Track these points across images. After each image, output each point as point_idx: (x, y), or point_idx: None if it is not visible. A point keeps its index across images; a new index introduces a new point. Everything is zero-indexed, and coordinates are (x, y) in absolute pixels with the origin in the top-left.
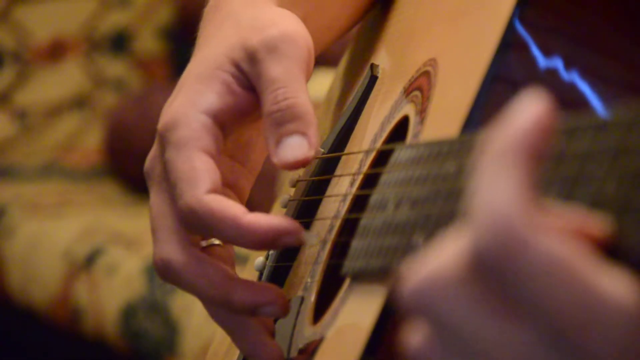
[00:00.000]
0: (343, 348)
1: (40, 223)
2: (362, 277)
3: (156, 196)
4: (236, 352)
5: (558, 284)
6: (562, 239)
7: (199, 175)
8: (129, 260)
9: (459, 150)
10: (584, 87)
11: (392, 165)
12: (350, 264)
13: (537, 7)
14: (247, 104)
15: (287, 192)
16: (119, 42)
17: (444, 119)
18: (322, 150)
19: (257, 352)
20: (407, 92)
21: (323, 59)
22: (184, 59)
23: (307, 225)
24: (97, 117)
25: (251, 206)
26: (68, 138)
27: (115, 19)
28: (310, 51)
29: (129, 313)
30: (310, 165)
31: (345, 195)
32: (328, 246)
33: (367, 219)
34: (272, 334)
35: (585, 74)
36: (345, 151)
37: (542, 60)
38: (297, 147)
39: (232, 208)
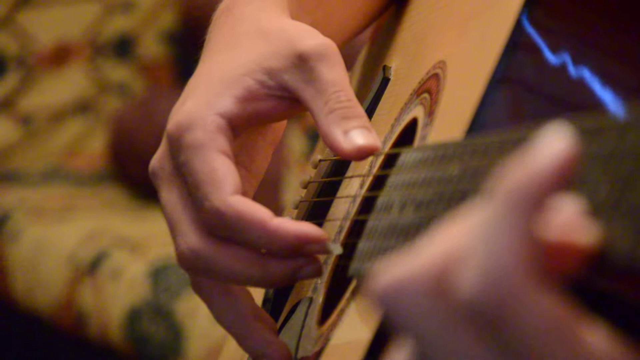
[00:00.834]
0: (349, 348)
1: (45, 228)
2: (368, 278)
3: (168, 193)
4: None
5: (551, 341)
6: (557, 300)
7: (221, 177)
8: (134, 264)
9: (463, 152)
10: (593, 88)
11: (399, 167)
12: (356, 265)
13: (545, 7)
14: (267, 112)
15: (298, 193)
16: (123, 47)
17: (451, 121)
18: None
19: (266, 351)
20: (416, 94)
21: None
22: (188, 64)
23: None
24: (101, 122)
25: None
26: (72, 143)
27: (119, 24)
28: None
29: (133, 317)
30: (322, 167)
31: (354, 197)
32: None
33: (374, 221)
34: (276, 335)
35: (594, 74)
36: None
37: (550, 61)
38: (367, 136)
39: (259, 211)
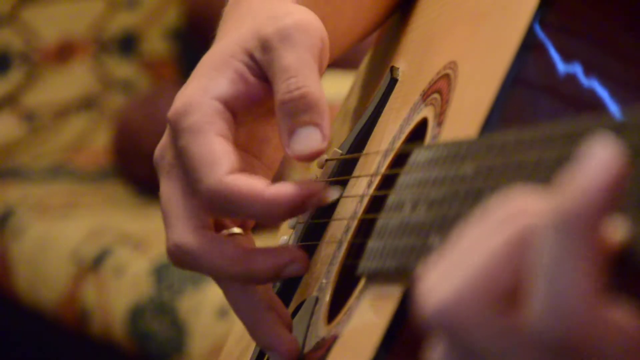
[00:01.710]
0: (357, 347)
1: (48, 224)
2: (378, 277)
3: (166, 183)
4: (250, 354)
5: (631, 355)
6: (625, 311)
7: (218, 158)
8: (137, 261)
9: (477, 151)
10: (604, 92)
11: (410, 166)
12: (365, 264)
13: (558, 11)
14: (260, 93)
15: None
16: (127, 44)
17: (462, 122)
18: (341, 151)
19: (275, 344)
20: (426, 95)
21: (342, 62)
22: (192, 61)
23: (323, 226)
24: (105, 119)
25: None
26: (76, 139)
27: (124, 21)
28: (324, 42)
29: (136, 314)
30: (329, 166)
31: (362, 196)
32: (344, 246)
33: (384, 220)
34: (290, 328)
35: (605, 79)
36: (364, 153)
37: (561, 65)
38: (310, 139)
39: (254, 184)
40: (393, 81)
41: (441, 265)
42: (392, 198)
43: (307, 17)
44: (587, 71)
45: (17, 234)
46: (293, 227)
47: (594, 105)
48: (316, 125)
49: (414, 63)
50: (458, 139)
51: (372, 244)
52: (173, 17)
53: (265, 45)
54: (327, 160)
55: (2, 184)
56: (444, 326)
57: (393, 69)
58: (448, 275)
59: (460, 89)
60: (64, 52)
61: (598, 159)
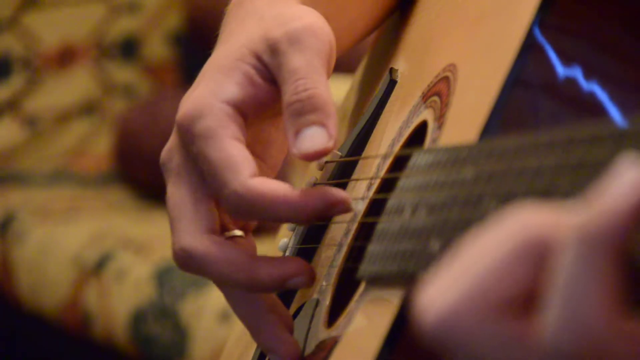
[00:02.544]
0: (358, 351)
1: (50, 229)
2: (378, 281)
3: (174, 187)
4: (251, 354)
5: None
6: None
7: (238, 162)
8: (139, 265)
9: (477, 156)
10: (603, 95)
11: (410, 170)
12: (365, 267)
13: (557, 13)
14: (268, 96)
15: None
16: (129, 48)
17: (462, 125)
18: (340, 154)
19: (276, 347)
20: (425, 97)
21: (340, 65)
22: (193, 65)
23: (323, 228)
24: (107, 123)
25: None
26: (77, 144)
27: (125, 25)
28: (332, 46)
29: (138, 318)
30: (328, 168)
31: (362, 199)
32: (344, 249)
33: (384, 224)
34: (291, 331)
35: (605, 82)
36: (363, 155)
37: (561, 68)
38: (316, 138)
39: (280, 187)
40: (392, 83)
41: (441, 278)
42: (392, 201)
43: (316, 21)
44: (587, 74)
45: (19, 239)
46: (293, 230)
47: (594, 108)
48: (322, 125)
49: (413, 65)
50: (458, 143)
51: (372, 247)
52: (174, 22)
53: (274, 49)
54: (326, 162)
55: (3, 189)
56: (445, 338)
57: (392, 71)
58: (449, 287)
59: (460, 92)
60: (65, 57)
61: (628, 179)
